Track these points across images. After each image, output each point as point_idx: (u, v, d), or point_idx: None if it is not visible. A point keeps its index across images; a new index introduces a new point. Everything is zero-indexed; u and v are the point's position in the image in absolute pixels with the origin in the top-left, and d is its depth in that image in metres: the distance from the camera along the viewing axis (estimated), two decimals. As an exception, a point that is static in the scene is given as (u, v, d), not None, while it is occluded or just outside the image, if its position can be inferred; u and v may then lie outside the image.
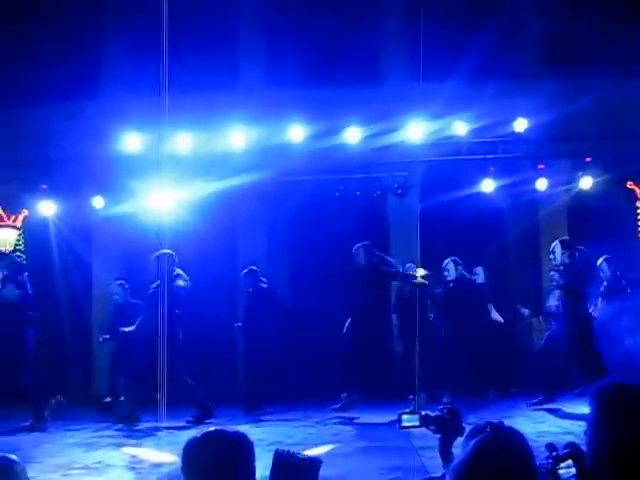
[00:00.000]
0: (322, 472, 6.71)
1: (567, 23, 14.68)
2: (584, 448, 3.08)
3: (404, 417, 3.55)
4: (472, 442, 2.56)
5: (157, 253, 10.92)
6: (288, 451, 3.09)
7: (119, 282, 12.91)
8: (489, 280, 12.90)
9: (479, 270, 12.89)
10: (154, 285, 10.78)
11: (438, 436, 3.53)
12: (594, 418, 3.04)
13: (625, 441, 2.92)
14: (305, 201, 13.82)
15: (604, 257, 12.18)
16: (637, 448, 2.91)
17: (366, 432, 9.16)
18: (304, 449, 8.11)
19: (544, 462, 3.06)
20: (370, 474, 6.84)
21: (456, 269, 12.09)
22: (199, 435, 3.07)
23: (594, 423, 3.04)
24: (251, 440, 3.08)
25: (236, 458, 2.99)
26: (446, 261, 12.19)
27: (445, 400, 9.66)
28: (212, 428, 3.15)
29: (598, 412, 3.04)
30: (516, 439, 2.58)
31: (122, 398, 11.84)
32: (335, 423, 10.16)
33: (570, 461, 3.08)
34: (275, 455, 3.05)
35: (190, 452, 3.01)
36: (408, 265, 13.00)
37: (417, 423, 3.51)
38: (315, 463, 3.09)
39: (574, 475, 3.07)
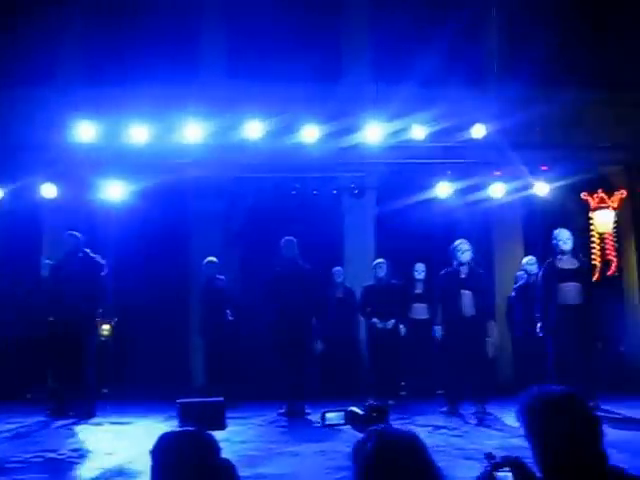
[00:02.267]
0: (269, 471, 6.68)
1: (527, 31, 14.80)
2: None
3: (328, 415, 3.50)
4: (363, 451, 2.53)
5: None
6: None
7: (47, 261, 12.64)
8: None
9: (420, 267, 12.95)
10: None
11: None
12: (526, 430, 3.07)
13: (559, 447, 2.93)
14: (261, 198, 13.75)
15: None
16: (572, 451, 2.91)
17: (314, 433, 9.10)
18: (251, 447, 8.09)
19: (483, 469, 3.06)
20: (317, 473, 6.80)
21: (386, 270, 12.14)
22: (170, 433, 3.09)
23: (528, 434, 3.06)
24: (213, 436, 3.10)
25: (206, 456, 3.00)
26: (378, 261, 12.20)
27: (371, 401, 9.67)
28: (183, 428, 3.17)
29: (525, 426, 3.07)
30: (404, 439, 2.56)
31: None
32: (284, 422, 10.11)
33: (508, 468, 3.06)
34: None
35: (162, 450, 3.00)
36: (335, 269, 13.07)
37: (342, 421, 3.46)
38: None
39: None
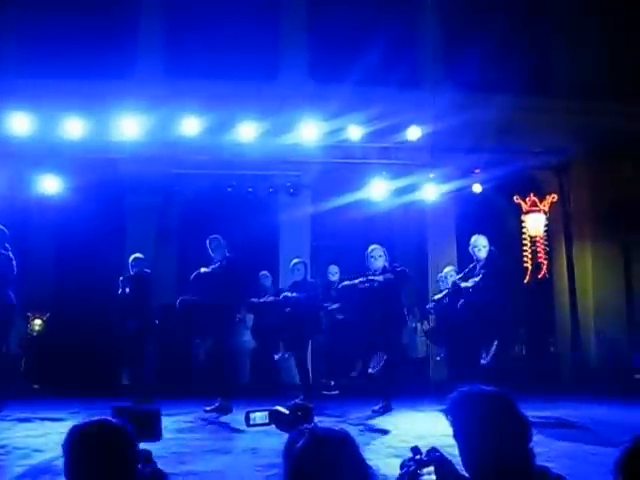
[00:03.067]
0: (199, 468, 6.66)
1: (463, 36, 15.01)
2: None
3: (252, 415, 3.48)
4: (293, 449, 2.53)
5: None
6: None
7: None
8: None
9: (334, 269, 13.04)
10: None
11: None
12: (455, 429, 3.07)
13: (487, 446, 2.94)
14: (196, 195, 13.71)
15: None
16: (499, 451, 2.93)
17: (245, 430, 9.11)
18: (181, 444, 8.07)
19: (407, 464, 3.09)
20: (247, 471, 6.81)
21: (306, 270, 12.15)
22: (79, 425, 3.03)
23: (457, 434, 3.06)
24: (131, 429, 3.07)
25: (118, 447, 2.96)
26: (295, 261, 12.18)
27: (299, 400, 9.73)
28: (94, 418, 3.10)
29: (456, 423, 3.07)
30: (338, 440, 2.55)
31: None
32: (213, 419, 10.10)
33: (432, 467, 3.10)
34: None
35: (71, 443, 2.96)
36: (262, 273, 13.03)
37: (266, 421, 3.44)
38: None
39: None
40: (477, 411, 3.01)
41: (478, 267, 10.14)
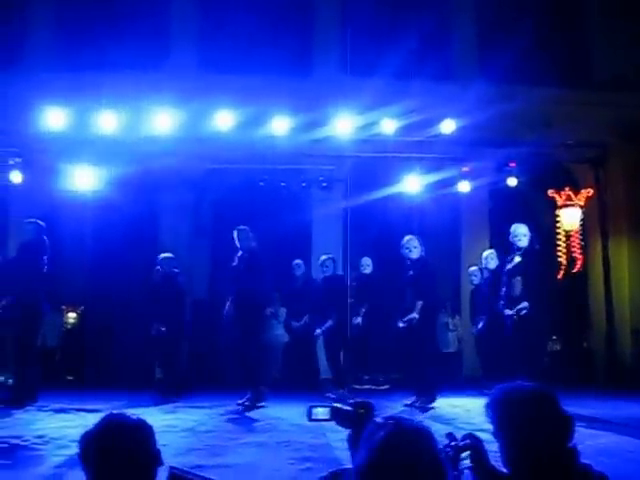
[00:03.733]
0: (233, 460, 6.67)
1: (499, 28, 14.90)
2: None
3: (314, 410, 3.46)
4: (375, 437, 2.48)
5: None
6: (185, 470, 3.05)
7: None
8: (375, 271, 13.05)
9: (366, 261, 13.05)
10: None
11: (349, 431, 3.46)
12: (496, 424, 3.04)
13: (529, 443, 2.91)
14: (229, 190, 13.74)
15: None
16: (542, 449, 2.89)
17: (278, 424, 9.12)
18: (215, 437, 8.10)
19: (444, 450, 3.01)
20: (281, 464, 6.81)
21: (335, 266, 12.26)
22: (96, 421, 3.03)
23: (497, 429, 3.03)
24: (150, 424, 3.07)
25: (135, 443, 2.96)
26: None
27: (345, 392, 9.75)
28: (110, 412, 3.11)
29: (498, 418, 3.03)
30: (421, 433, 2.51)
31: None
32: (248, 413, 10.11)
33: (468, 452, 3.10)
34: (170, 473, 3.00)
35: (87, 438, 2.97)
36: (295, 262, 13.11)
37: (327, 416, 3.42)
38: None
39: (471, 467, 3.11)
40: (520, 407, 2.98)
41: (519, 256, 10.05)
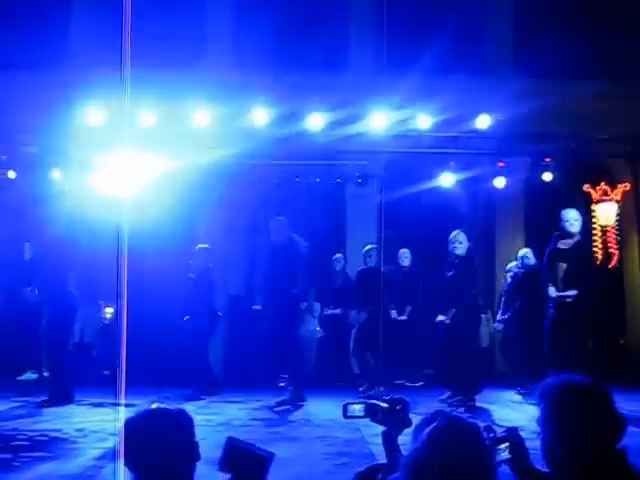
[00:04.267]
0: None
1: (534, 22, 14.82)
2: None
3: (350, 407, 3.50)
4: (426, 431, 2.51)
5: None
6: (241, 441, 3.11)
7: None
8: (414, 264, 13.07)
9: (405, 253, 13.04)
10: None
11: (383, 427, 3.48)
12: (545, 418, 2.97)
13: (579, 441, 2.85)
14: (265, 185, 13.80)
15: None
16: (592, 448, 2.84)
17: (313, 418, 9.19)
18: (251, 431, 8.18)
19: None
20: (316, 459, 6.88)
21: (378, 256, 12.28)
22: (138, 412, 3.10)
23: (545, 423, 2.96)
24: (190, 415, 3.13)
25: (177, 433, 3.01)
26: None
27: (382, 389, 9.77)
28: (154, 405, 3.18)
29: (548, 412, 2.96)
30: (469, 428, 2.54)
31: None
32: (283, 408, 10.18)
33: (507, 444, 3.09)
34: (228, 442, 3.06)
35: (130, 429, 3.03)
36: (335, 257, 13.14)
37: (362, 413, 3.45)
38: (267, 456, 3.12)
39: (509, 459, 3.09)
40: (574, 402, 2.92)
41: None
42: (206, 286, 11.83)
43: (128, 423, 3.06)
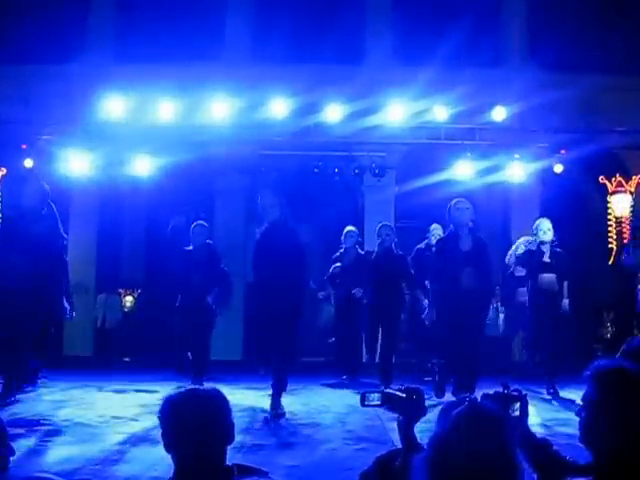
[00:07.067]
0: (291, 439, 6.86)
1: (549, 14, 14.88)
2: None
3: (368, 396, 3.58)
4: (451, 414, 2.54)
5: None
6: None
7: None
8: None
9: (438, 230, 12.82)
10: None
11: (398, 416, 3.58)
12: (592, 401, 2.86)
13: (626, 429, 2.75)
14: (283, 176, 13.92)
15: None
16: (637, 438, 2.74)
17: (333, 405, 9.31)
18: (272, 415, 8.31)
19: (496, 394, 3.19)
20: (337, 444, 7.00)
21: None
22: (177, 392, 3.16)
23: (592, 407, 2.86)
24: (225, 396, 3.17)
25: (216, 412, 3.07)
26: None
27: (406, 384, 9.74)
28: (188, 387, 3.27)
29: (598, 395, 2.84)
30: (493, 414, 2.58)
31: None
32: (301, 392, 10.24)
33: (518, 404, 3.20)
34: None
35: (170, 409, 3.08)
36: (348, 230, 12.99)
37: (379, 402, 3.54)
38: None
39: (518, 417, 3.19)
40: (625, 386, 2.81)
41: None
42: (206, 259, 11.37)
43: (167, 402, 3.11)
